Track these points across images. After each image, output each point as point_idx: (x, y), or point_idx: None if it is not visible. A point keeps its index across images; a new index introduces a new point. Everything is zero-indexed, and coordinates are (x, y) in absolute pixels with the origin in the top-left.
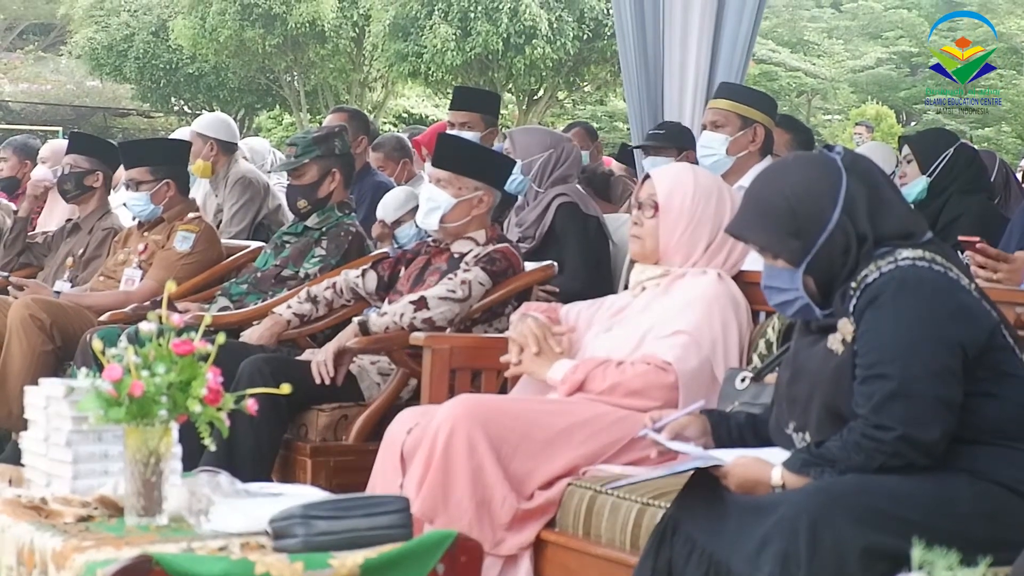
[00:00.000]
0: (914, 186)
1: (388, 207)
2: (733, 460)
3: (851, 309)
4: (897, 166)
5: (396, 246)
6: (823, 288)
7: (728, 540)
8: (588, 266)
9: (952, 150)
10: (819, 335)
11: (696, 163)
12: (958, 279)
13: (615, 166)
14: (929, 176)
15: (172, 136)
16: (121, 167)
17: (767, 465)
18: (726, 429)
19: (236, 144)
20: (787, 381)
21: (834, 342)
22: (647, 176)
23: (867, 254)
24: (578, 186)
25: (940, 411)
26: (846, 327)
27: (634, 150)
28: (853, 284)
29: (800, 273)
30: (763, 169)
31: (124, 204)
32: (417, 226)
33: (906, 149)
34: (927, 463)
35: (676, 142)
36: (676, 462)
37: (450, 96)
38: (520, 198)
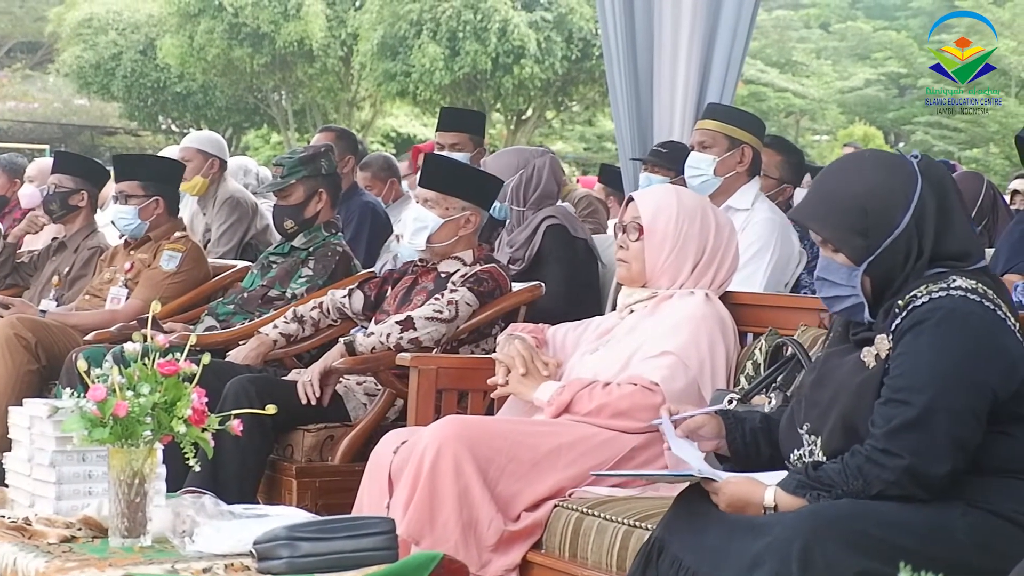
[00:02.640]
0: None
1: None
2: (726, 477)
3: (892, 327)
4: None
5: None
6: (877, 292)
7: (716, 560)
8: (570, 288)
9: None
10: (854, 345)
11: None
12: (1005, 319)
13: (598, 188)
14: None
15: (160, 155)
16: (108, 185)
17: (759, 485)
18: (740, 433)
19: (227, 163)
20: (811, 383)
21: (867, 355)
22: (630, 199)
23: (919, 270)
24: (566, 206)
25: (952, 451)
26: (883, 344)
27: (621, 170)
28: (900, 302)
29: (860, 272)
30: (836, 160)
31: (112, 222)
32: None
33: None
34: (925, 498)
35: (675, 164)
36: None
37: (438, 116)
38: (509, 220)
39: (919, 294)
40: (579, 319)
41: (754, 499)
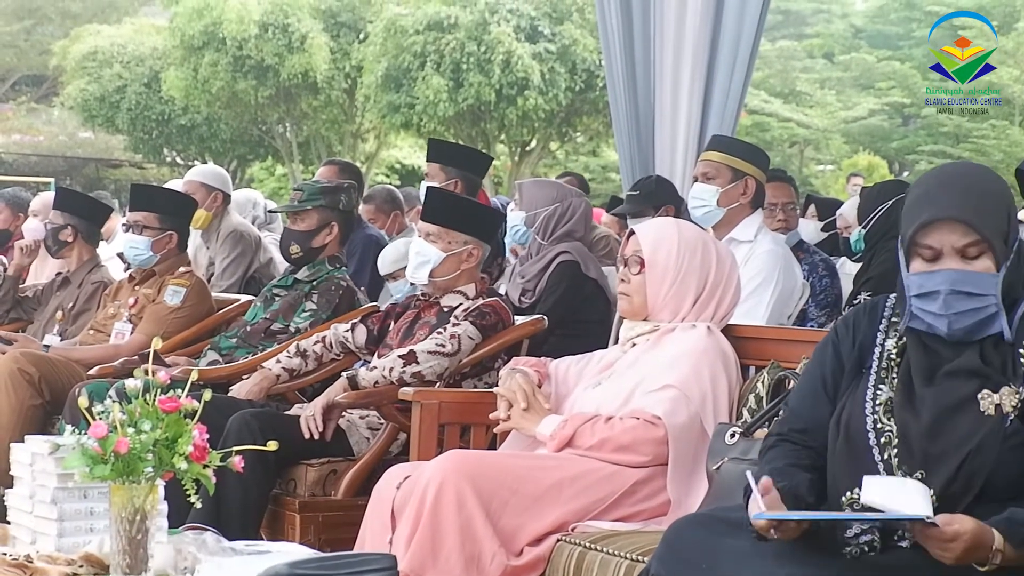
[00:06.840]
0: (852, 236)
1: (385, 260)
2: (948, 518)
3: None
4: None
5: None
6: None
7: None
8: (560, 318)
9: (891, 202)
10: (961, 379)
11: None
12: None
13: (605, 219)
14: (864, 227)
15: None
16: (113, 218)
17: (988, 529)
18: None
19: (230, 196)
20: (924, 431)
21: (986, 401)
22: (631, 232)
23: None
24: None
25: None
26: (1009, 397)
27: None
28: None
29: (1000, 279)
30: (948, 165)
31: (119, 255)
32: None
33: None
34: None
35: (652, 201)
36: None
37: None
38: (524, 249)
39: None
40: (568, 348)
41: (986, 543)
